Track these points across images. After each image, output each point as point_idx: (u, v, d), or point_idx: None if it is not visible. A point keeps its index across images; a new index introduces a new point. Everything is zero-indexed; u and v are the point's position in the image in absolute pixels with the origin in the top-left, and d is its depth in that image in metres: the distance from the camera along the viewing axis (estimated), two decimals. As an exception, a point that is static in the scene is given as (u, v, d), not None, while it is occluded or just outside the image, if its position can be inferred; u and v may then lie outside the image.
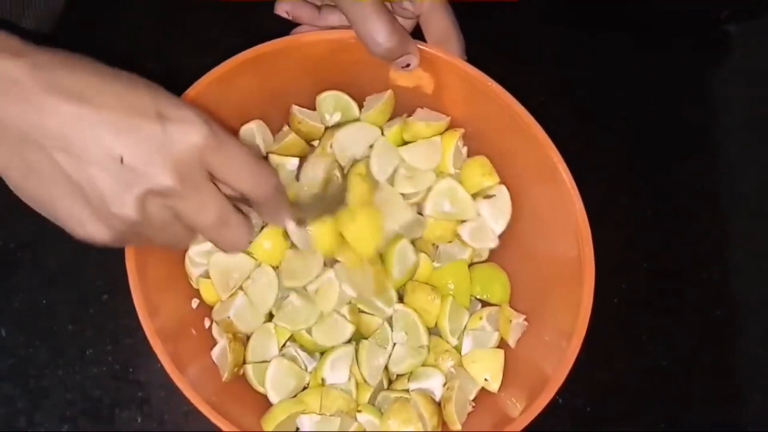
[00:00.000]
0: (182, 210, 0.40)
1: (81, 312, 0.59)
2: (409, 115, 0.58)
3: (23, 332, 0.58)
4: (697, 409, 0.62)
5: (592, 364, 0.59)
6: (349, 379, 0.53)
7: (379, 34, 0.50)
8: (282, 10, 0.55)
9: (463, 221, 0.57)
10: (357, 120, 0.58)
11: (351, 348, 0.53)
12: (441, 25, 0.54)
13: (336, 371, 0.53)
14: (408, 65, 0.53)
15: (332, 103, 0.58)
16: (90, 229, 0.39)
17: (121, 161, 0.37)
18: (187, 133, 0.38)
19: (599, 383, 0.62)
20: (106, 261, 0.57)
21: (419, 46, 0.53)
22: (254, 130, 0.57)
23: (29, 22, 0.70)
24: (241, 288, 0.54)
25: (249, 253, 0.54)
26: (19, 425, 0.56)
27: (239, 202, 0.43)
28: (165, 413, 0.57)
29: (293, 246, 0.54)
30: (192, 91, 0.50)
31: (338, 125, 0.58)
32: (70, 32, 0.69)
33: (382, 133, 0.58)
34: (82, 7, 0.70)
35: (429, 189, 0.57)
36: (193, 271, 0.54)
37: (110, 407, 0.57)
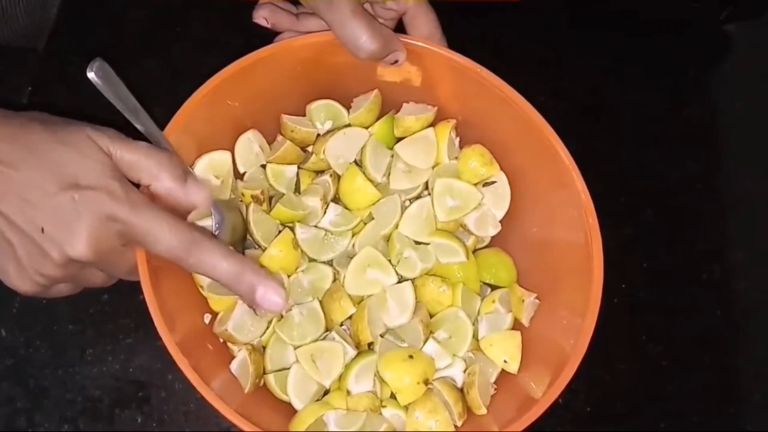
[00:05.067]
0: (100, 268, 0.44)
1: (81, 312, 0.59)
2: (397, 111, 0.58)
3: (23, 332, 0.58)
4: (697, 409, 0.62)
5: (592, 364, 0.59)
6: (374, 383, 0.53)
7: (360, 38, 0.50)
8: (260, 17, 0.55)
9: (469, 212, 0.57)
10: (346, 126, 0.58)
11: (374, 357, 0.52)
12: (427, 22, 0.54)
13: (360, 382, 0.52)
14: (396, 61, 0.53)
15: (323, 112, 0.59)
16: (15, 281, 0.43)
17: (42, 231, 0.41)
18: (98, 203, 0.41)
19: (599, 383, 0.62)
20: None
21: (405, 39, 0.53)
22: (251, 140, 0.58)
23: (21, 16, 0.70)
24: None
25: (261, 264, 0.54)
26: (19, 425, 0.56)
27: None
28: (165, 413, 0.57)
29: (304, 255, 0.55)
30: (185, 107, 0.50)
31: (329, 132, 0.58)
32: (70, 31, 0.69)
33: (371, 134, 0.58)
34: (82, 5, 0.70)
35: (425, 184, 0.58)
36: (203, 279, 0.53)
37: (110, 407, 0.57)
